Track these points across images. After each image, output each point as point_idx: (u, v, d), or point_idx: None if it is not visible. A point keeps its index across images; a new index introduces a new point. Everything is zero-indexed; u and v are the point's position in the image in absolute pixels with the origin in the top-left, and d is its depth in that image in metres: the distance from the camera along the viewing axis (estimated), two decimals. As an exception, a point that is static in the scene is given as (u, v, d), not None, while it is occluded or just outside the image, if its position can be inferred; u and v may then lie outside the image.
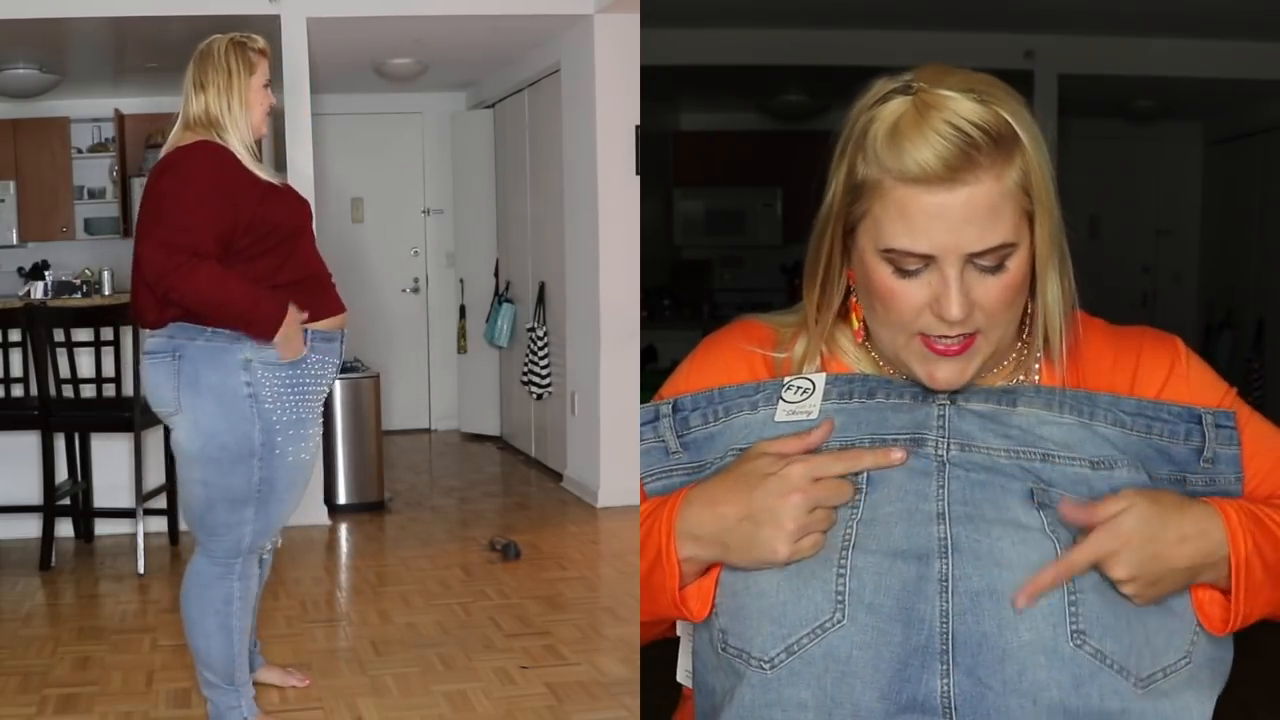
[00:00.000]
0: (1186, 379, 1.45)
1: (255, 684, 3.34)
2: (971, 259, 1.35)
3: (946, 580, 1.31)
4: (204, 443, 2.96)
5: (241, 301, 2.90)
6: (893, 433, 1.39)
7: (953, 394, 1.40)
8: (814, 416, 1.42)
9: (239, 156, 2.96)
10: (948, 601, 1.30)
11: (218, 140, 2.96)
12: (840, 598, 1.32)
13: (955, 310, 1.35)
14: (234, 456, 2.96)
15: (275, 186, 3.03)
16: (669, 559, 1.40)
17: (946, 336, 1.39)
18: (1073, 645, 1.29)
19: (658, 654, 1.62)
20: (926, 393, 1.41)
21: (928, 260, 1.36)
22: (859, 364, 1.49)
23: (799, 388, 1.45)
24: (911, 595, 1.31)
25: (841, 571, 1.33)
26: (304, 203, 3.16)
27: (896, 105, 1.36)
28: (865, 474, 1.37)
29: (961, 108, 1.34)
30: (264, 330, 2.92)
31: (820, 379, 1.45)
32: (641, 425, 1.52)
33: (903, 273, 1.37)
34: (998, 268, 1.36)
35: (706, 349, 1.59)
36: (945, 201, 1.33)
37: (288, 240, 3.03)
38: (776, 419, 1.44)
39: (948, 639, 1.30)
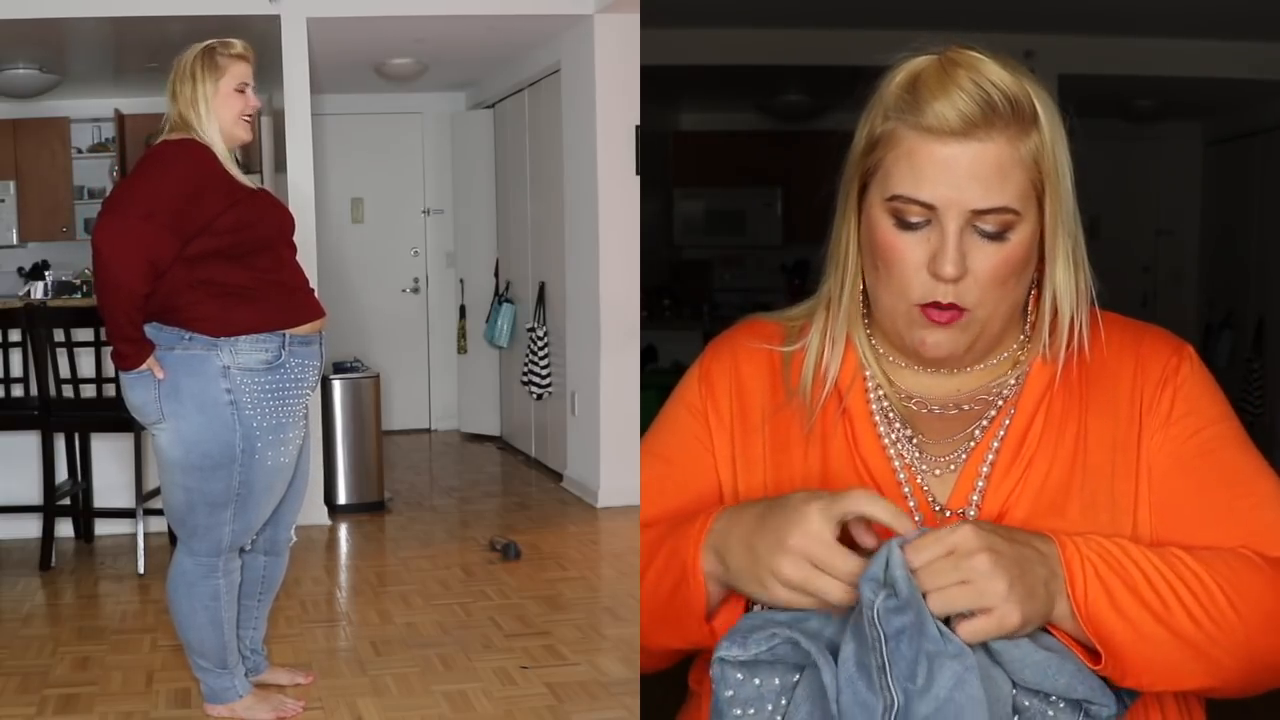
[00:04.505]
0: (1183, 378, 1.44)
1: (263, 686, 3.37)
2: (973, 221, 1.33)
3: None
4: (186, 450, 2.99)
5: (125, 306, 2.87)
6: None
7: None
8: None
9: (219, 158, 2.99)
10: None
11: (201, 140, 3.00)
12: None
13: (949, 267, 1.33)
14: (216, 463, 3.00)
15: (253, 191, 3.06)
16: (695, 579, 1.36)
17: (938, 305, 1.36)
18: None
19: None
20: None
21: (930, 215, 1.34)
22: (863, 354, 1.47)
23: None
24: None
25: None
26: (285, 211, 3.19)
27: (921, 61, 1.37)
28: None
29: (989, 70, 1.34)
30: (117, 342, 2.91)
31: None
32: None
33: (904, 225, 1.35)
34: (998, 236, 1.34)
35: (715, 353, 1.57)
36: (955, 154, 1.32)
37: (269, 246, 3.05)
38: None
39: None
